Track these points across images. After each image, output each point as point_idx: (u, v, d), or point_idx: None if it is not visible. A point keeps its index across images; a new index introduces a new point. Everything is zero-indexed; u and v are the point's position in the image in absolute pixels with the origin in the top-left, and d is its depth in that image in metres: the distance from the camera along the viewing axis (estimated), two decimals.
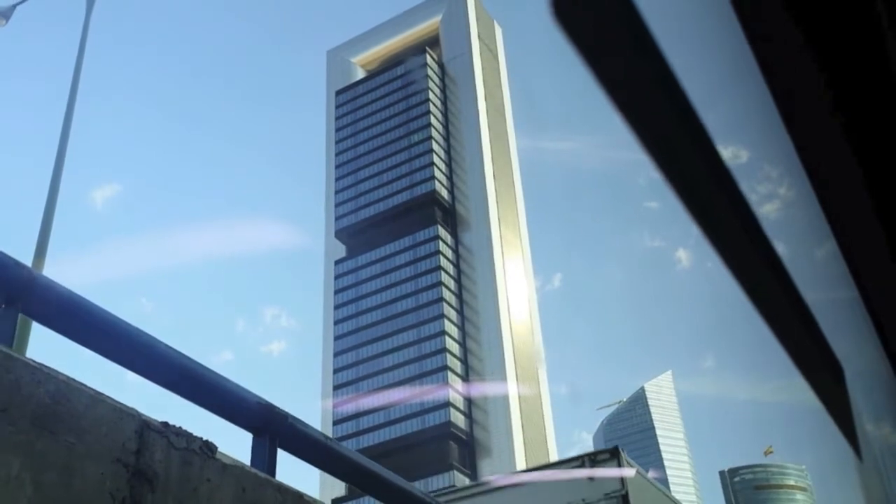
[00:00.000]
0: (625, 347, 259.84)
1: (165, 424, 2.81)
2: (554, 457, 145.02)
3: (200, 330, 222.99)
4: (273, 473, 3.56)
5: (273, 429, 3.70)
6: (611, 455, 9.09)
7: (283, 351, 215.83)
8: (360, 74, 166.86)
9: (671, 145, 1.21)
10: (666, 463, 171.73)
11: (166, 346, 3.40)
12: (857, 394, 2.13)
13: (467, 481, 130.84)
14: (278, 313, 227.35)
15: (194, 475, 2.90)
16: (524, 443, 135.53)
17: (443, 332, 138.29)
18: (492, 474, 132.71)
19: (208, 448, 2.93)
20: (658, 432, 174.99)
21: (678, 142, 1.21)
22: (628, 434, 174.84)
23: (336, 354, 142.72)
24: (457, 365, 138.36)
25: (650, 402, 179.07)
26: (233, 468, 3.07)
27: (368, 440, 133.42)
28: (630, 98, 1.07)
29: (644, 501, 9.07)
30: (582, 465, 9.12)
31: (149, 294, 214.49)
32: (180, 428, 2.90)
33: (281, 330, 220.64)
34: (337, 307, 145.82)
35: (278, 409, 3.80)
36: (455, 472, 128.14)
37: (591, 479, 8.92)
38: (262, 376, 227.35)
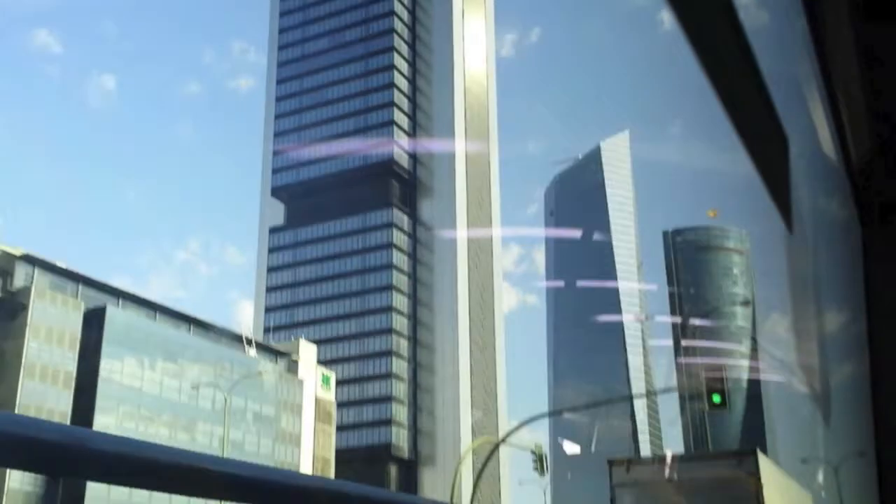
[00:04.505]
0: (591, 106, 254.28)
1: None
2: (497, 209, 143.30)
3: (166, 57, 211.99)
4: None
5: None
6: (752, 452, 14.02)
7: (250, 88, 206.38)
8: None
9: None
10: (612, 221, 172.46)
11: None
12: (798, 170, 2.20)
13: (406, 219, 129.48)
14: (247, 48, 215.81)
15: None
16: (467, 189, 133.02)
17: (391, 85, 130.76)
18: (431, 216, 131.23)
19: None
20: (608, 191, 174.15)
21: None
22: (579, 191, 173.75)
23: (280, 81, 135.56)
24: (404, 103, 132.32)
25: (604, 161, 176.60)
26: None
27: (308, 173, 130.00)
28: None
29: (771, 478, 13.86)
30: (733, 456, 14.82)
31: (112, 16, 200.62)
32: None
33: (249, 66, 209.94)
34: (282, 47, 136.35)
35: None
36: (394, 209, 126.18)
37: (739, 461, 14.00)
38: (228, 112, 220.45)
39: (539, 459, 27.14)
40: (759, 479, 12.87)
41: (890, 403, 2.19)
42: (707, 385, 20.44)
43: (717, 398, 20.20)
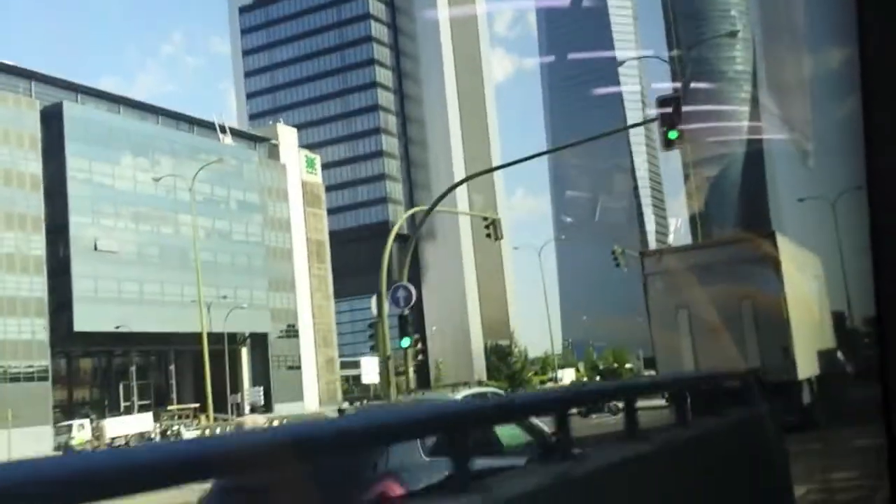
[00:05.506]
0: None
1: None
2: None
3: None
4: None
5: None
6: (771, 233, 15.13)
7: None
8: None
9: None
10: None
11: None
12: None
13: None
14: None
15: None
16: None
17: None
18: None
19: None
20: None
21: None
22: None
23: None
24: None
25: None
26: None
27: None
28: None
29: (788, 254, 15.14)
30: (754, 238, 15.51)
31: None
32: None
33: None
34: None
35: None
36: None
37: (759, 243, 14.89)
38: None
39: (491, 225, 25.10)
40: (777, 257, 14.09)
41: (881, 138, 2.18)
42: (662, 120, 17.60)
43: (672, 134, 17.44)
